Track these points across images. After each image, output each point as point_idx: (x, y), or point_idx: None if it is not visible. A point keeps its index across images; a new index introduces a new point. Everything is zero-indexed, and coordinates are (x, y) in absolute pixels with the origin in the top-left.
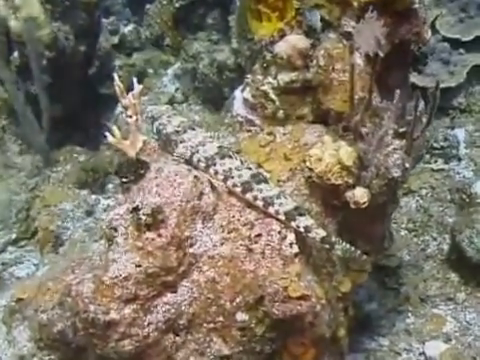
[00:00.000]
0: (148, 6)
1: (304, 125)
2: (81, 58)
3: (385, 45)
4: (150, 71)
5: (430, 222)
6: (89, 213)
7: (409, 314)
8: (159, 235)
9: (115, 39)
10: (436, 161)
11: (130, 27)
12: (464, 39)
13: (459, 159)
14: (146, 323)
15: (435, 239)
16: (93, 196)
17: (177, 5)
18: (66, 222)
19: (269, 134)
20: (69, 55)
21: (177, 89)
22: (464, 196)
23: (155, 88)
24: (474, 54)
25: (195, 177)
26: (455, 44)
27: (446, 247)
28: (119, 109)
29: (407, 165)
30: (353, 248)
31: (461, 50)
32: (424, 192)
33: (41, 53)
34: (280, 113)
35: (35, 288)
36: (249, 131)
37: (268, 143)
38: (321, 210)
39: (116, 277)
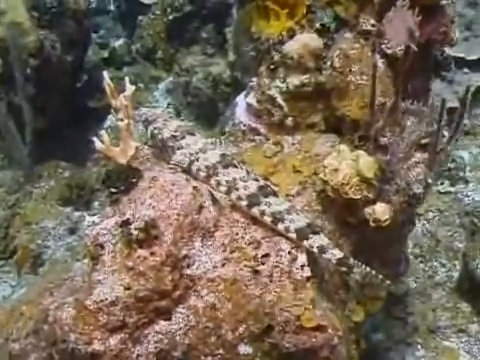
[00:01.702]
0: (140, 17)
1: (315, 134)
2: (68, 68)
3: (417, 37)
4: (140, 85)
5: (438, 247)
6: (72, 231)
7: (419, 346)
8: (152, 253)
9: (105, 53)
10: (442, 183)
11: (120, 41)
12: (469, 58)
13: (466, 182)
14: (135, 355)
15: (444, 265)
16: (77, 213)
17: (171, 17)
18: (47, 240)
19: (276, 144)
20: (55, 64)
21: (169, 104)
22: (476, 220)
23: (146, 103)
24: (479, 74)
25: (194, 188)
26: (459, 63)
27: (456, 274)
28: (108, 123)
29: (429, 180)
30: (373, 272)
31: (465, 69)
32: (431, 215)
33: (25, 61)
34: (288, 121)
35: (7, 313)
36: (253, 141)
37: (275, 154)
38: (335, 228)
39: (101, 301)
